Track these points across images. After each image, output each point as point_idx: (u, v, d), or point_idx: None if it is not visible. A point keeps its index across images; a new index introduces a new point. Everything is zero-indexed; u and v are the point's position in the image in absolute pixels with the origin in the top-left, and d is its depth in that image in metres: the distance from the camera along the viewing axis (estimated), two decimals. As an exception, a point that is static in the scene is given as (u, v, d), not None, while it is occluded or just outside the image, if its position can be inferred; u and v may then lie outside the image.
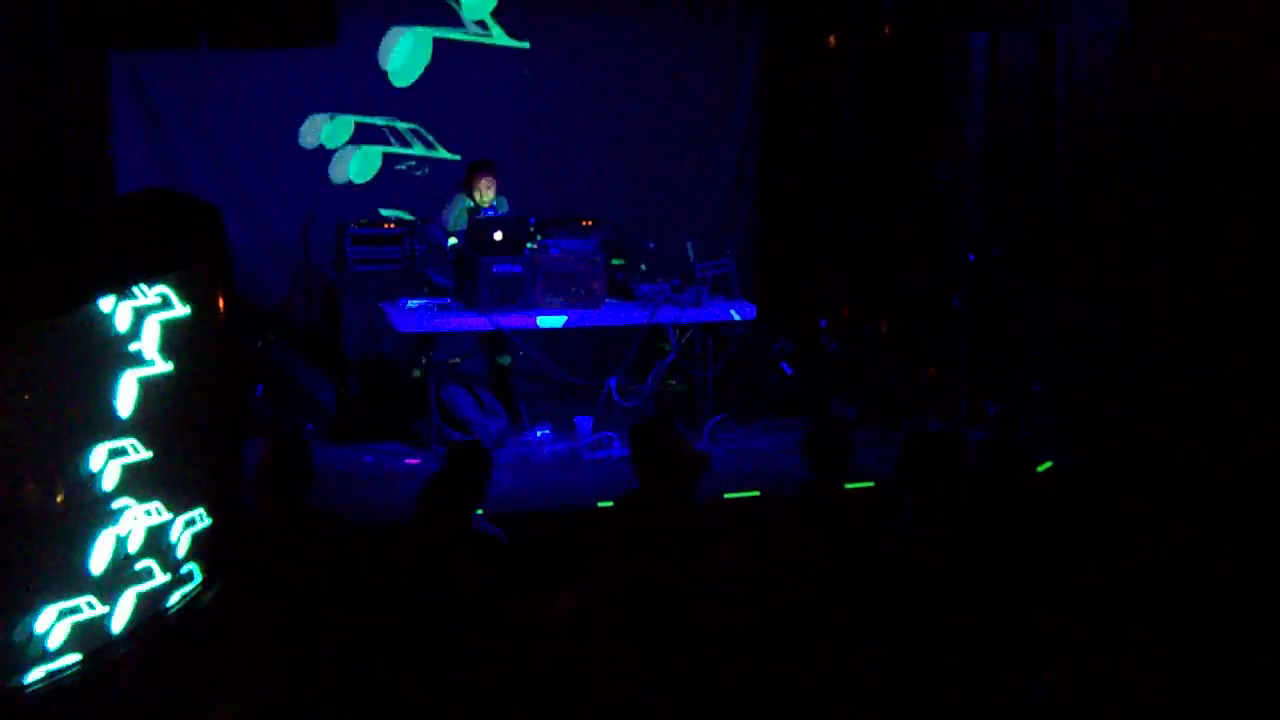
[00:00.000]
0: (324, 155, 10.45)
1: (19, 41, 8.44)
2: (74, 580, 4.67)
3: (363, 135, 10.46)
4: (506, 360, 9.22)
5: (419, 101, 10.52)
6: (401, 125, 10.51)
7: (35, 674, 4.55)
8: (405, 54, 10.47)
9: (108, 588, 4.81)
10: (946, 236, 9.74)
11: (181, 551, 5.24)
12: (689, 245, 9.09)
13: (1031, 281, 9.21)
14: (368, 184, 10.51)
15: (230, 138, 10.22)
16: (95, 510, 4.73)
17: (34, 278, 4.55)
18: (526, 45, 10.70)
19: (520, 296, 8.63)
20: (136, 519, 4.92)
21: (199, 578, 5.37)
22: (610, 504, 6.08)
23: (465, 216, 9.06)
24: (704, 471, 5.93)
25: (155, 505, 5.01)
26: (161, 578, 5.10)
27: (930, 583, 4.95)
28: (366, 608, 5.11)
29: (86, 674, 4.68)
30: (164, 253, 5.22)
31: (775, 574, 5.06)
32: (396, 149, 10.39)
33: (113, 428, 4.80)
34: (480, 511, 5.83)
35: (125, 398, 4.83)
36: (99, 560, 4.76)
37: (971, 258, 9.18)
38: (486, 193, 9.15)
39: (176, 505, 5.14)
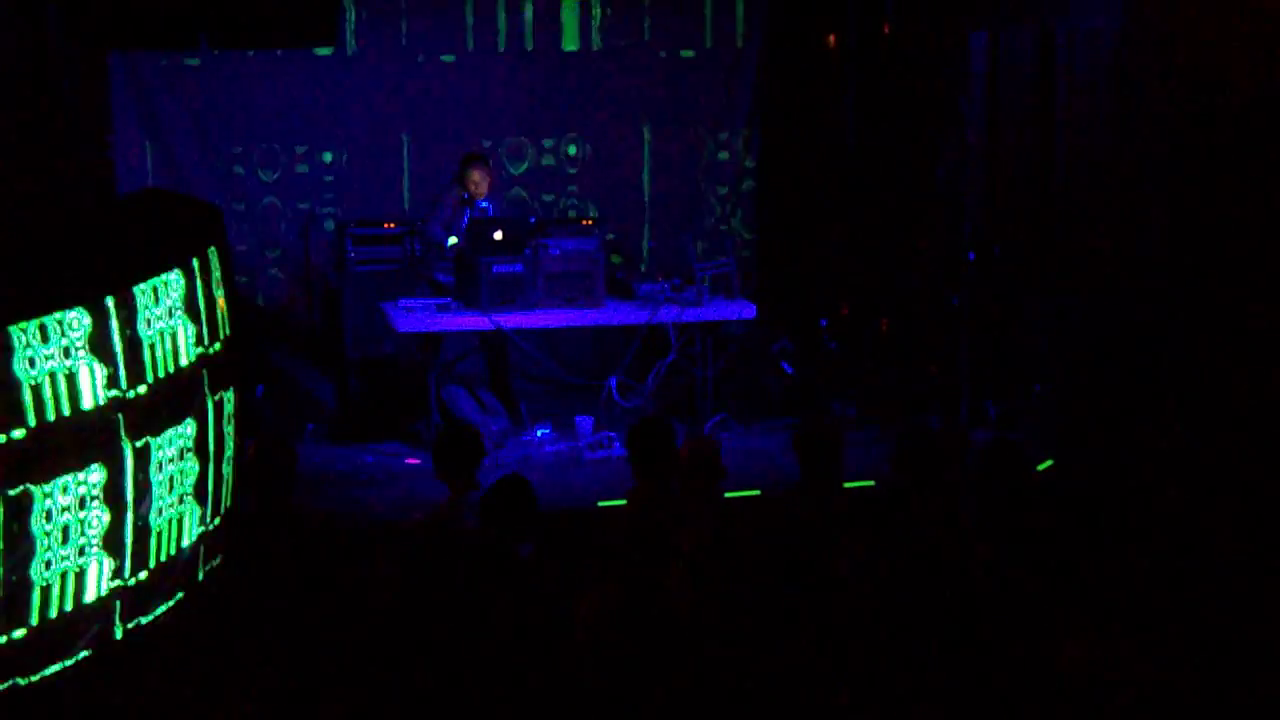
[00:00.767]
0: (324, 154, 10.46)
1: (19, 41, 8.44)
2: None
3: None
4: (502, 360, 9.22)
5: (419, 101, 10.52)
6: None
7: (36, 673, 4.55)
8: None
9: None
10: (946, 236, 9.74)
11: (181, 551, 5.24)
12: (689, 244, 9.08)
13: (1031, 281, 9.21)
14: (367, 183, 10.53)
15: (230, 138, 10.23)
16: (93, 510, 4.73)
17: (34, 278, 4.54)
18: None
19: (520, 296, 8.63)
20: (137, 518, 4.92)
21: (196, 578, 5.38)
22: (610, 504, 6.08)
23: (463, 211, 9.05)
24: (722, 477, 5.96)
25: (156, 505, 5.01)
26: (162, 577, 5.10)
27: (923, 580, 4.96)
28: (361, 609, 5.11)
29: (80, 677, 4.68)
30: (164, 253, 5.22)
31: (770, 571, 5.07)
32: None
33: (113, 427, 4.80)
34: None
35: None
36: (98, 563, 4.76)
37: (971, 257, 9.18)
38: (480, 186, 9.15)
39: (176, 505, 5.14)
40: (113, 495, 4.69)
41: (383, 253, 9.89)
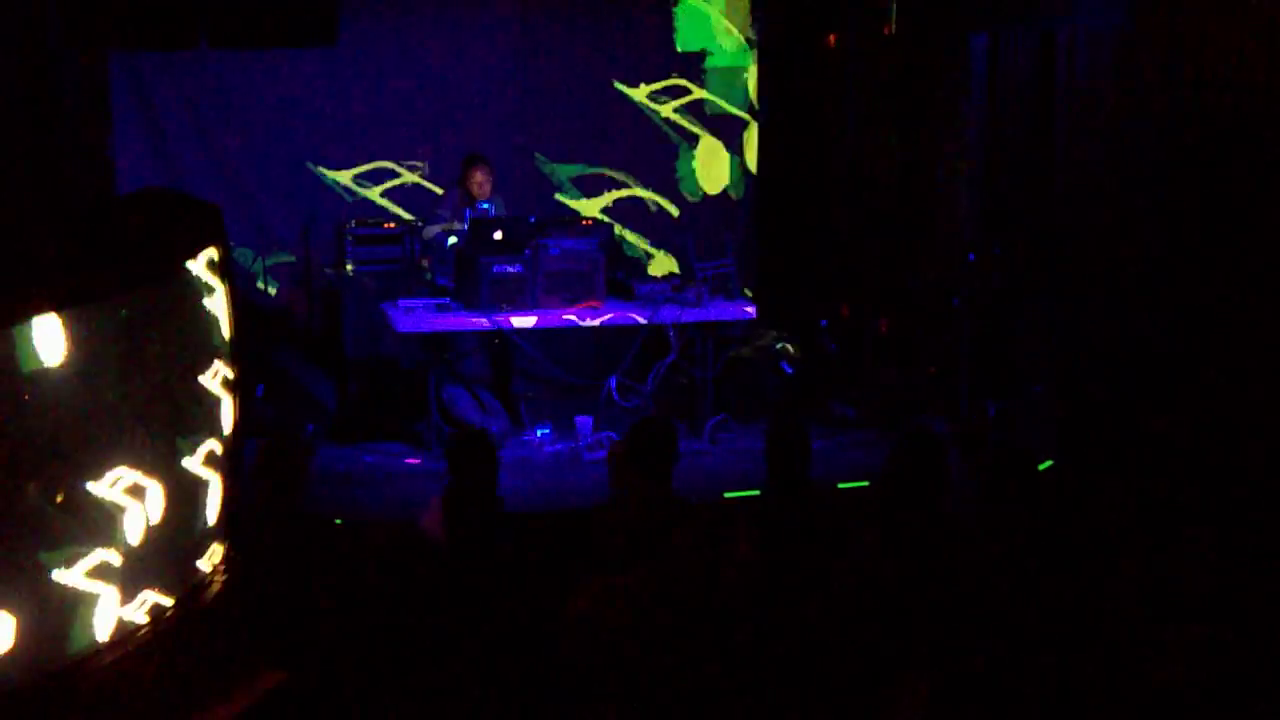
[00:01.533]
0: (323, 156, 10.45)
1: (19, 41, 8.43)
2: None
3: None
4: (507, 360, 9.22)
5: (418, 101, 10.52)
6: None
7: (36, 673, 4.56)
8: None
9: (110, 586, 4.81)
10: (946, 236, 9.74)
11: (182, 551, 5.24)
12: (690, 242, 9.08)
13: (1031, 281, 9.21)
14: (367, 183, 10.52)
15: (230, 138, 10.22)
16: (95, 510, 4.74)
17: (34, 278, 4.54)
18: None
19: (520, 296, 8.63)
20: (137, 519, 4.92)
21: (199, 577, 5.38)
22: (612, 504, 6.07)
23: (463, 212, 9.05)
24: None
25: (153, 504, 5.02)
26: (161, 578, 5.10)
27: (917, 579, 4.96)
28: (367, 609, 5.11)
29: (86, 673, 4.68)
30: (164, 253, 5.22)
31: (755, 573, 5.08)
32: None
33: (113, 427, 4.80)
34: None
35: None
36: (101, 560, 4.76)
37: (971, 258, 9.18)
38: (483, 186, 9.14)
39: (175, 504, 5.14)
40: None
41: (383, 253, 9.89)
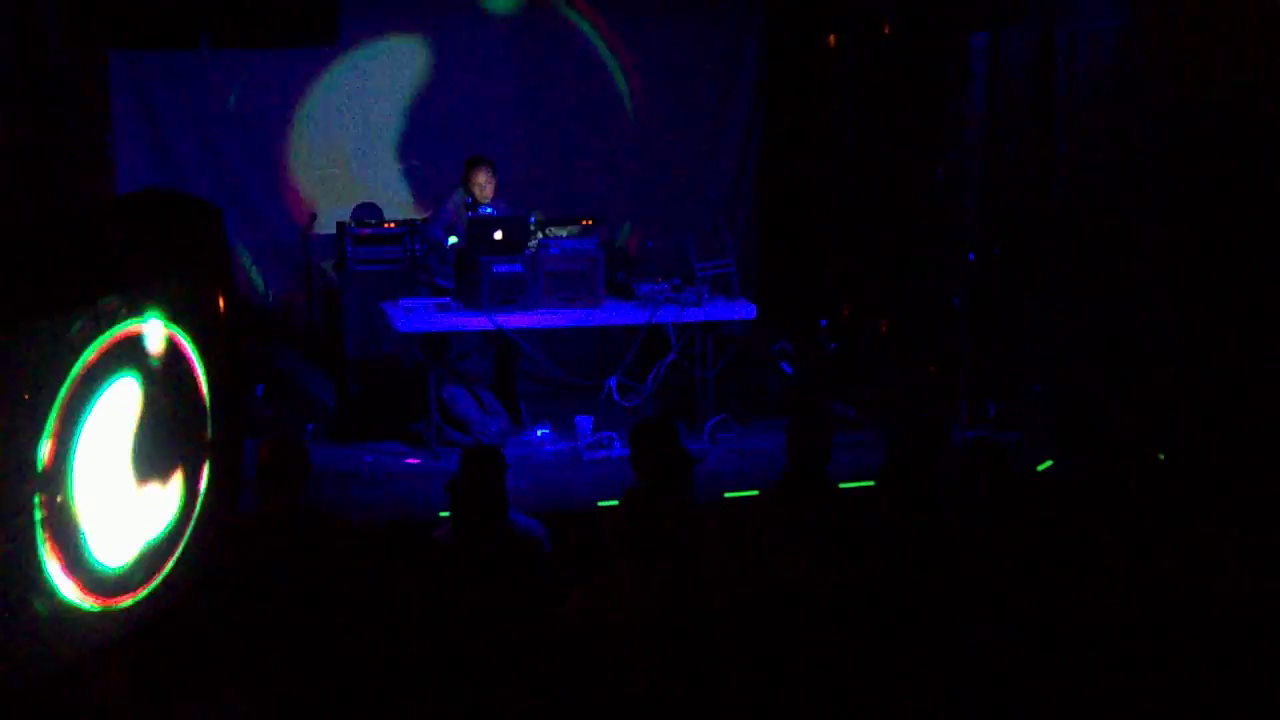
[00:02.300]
0: (322, 156, 10.46)
1: (19, 41, 8.44)
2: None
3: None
4: (510, 360, 9.22)
5: (418, 101, 10.52)
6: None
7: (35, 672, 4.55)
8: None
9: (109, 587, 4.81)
10: (946, 236, 9.74)
11: (182, 551, 5.24)
12: (690, 242, 9.08)
13: (1031, 281, 9.22)
14: (368, 183, 10.53)
15: (230, 138, 10.22)
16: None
17: (33, 279, 4.54)
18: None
19: (520, 296, 8.63)
20: (136, 518, 4.92)
21: (198, 578, 5.38)
22: (612, 504, 6.07)
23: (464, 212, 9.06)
24: (692, 466, 5.95)
25: (154, 504, 5.02)
26: (163, 577, 5.11)
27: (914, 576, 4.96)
28: (373, 609, 5.11)
29: (84, 673, 4.68)
30: (164, 253, 5.22)
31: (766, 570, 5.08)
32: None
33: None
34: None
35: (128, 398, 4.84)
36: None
37: (971, 258, 9.18)
38: (485, 188, 9.13)
39: (175, 504, 5.14)
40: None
41: (383, 253, 9.88)
